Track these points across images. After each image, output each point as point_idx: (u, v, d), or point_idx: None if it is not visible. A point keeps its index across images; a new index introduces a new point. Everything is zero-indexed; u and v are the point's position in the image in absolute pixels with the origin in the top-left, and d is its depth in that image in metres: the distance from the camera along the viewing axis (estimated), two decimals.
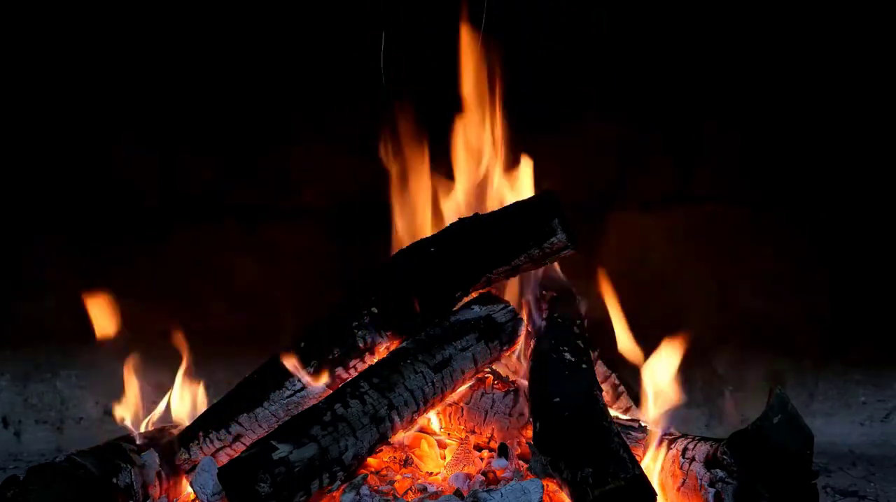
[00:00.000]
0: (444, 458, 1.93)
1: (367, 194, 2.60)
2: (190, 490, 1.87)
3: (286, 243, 2.81)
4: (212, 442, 1.93)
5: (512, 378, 2.05)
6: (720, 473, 1.66)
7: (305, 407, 1.84)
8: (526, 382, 1.98)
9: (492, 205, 2.20)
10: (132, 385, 2.11)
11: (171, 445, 1.96)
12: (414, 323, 1.94)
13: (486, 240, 1.95)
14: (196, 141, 2.78)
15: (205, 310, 2.77)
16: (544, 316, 2.13)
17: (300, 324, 2.05)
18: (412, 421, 1.87)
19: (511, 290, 2.19)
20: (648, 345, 2.11)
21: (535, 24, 2.66)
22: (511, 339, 1.99)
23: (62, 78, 2.71)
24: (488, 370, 2.02)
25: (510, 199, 2.15)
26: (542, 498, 1.67)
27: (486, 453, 1.95)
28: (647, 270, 2.79)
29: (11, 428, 2.78)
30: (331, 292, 2.57)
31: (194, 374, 2.19)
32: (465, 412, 2.00)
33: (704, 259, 2.80)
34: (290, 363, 1.91)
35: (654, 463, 1.85)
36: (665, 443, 1.87)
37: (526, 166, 2.22)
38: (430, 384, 1.85)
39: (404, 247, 2.06)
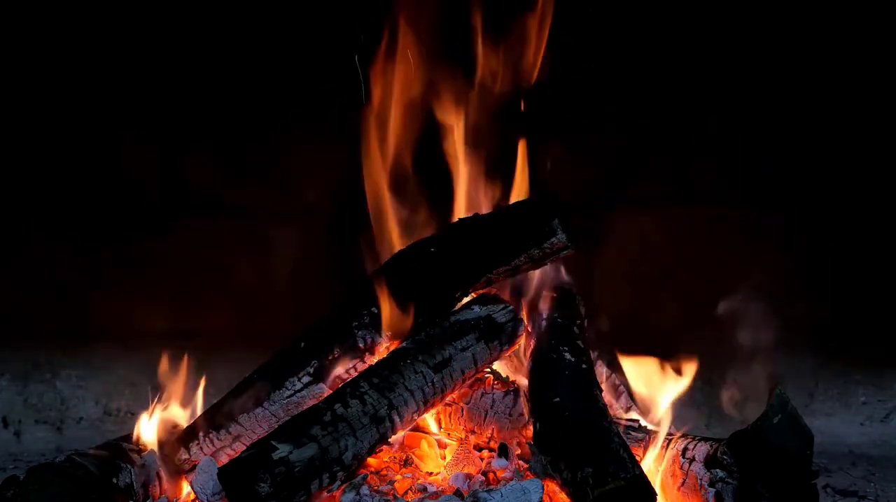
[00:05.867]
0: (444, 458, 1.93)
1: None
2: (190, 490, 1.87)
3: (286, 242, 2.81)
4: (212, 442, 1.93)
5: (512, 378, 2.05)
6: (720, 473, 1.66)
7: (305, 407, 1.84)
8: (526, 382, 1.98)
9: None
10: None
11: (172, 445, 1.95)
12: (414, 323, 1.94)
13: (485, 240, 1.95)
14: (196, 140, 2.78)
15: (204, 309, 2.78)
16: (544, 316, 2.13)
17: (300, 323, 2.05)
18: (412, 421, 1.87)
19: (511, 290, 2.19)
20: (647, 346, 2.12)
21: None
22: (511, 339, 1.99)
23: (61, 76, 2.71)
24: (488, 370, 2.02)
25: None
26: (542, 498, 1.67)
27: (486, 453, 1.94)
28: (647, 270, 2.79)
29: (11, 428, 2.78)
30: (331, 292, 2.57)
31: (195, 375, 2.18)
32: (465, 412, 2.00)
33: (704, 259, 2.80)
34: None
35: (654, 464, 1.85)
36: (665, 443, 1.87)
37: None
38: (430, 384, 1.85)
39: (404, 247, 2.06)
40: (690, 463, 1.76)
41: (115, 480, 1.81)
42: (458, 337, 1.91)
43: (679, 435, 1.90)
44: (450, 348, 1.89)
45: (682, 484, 1.76)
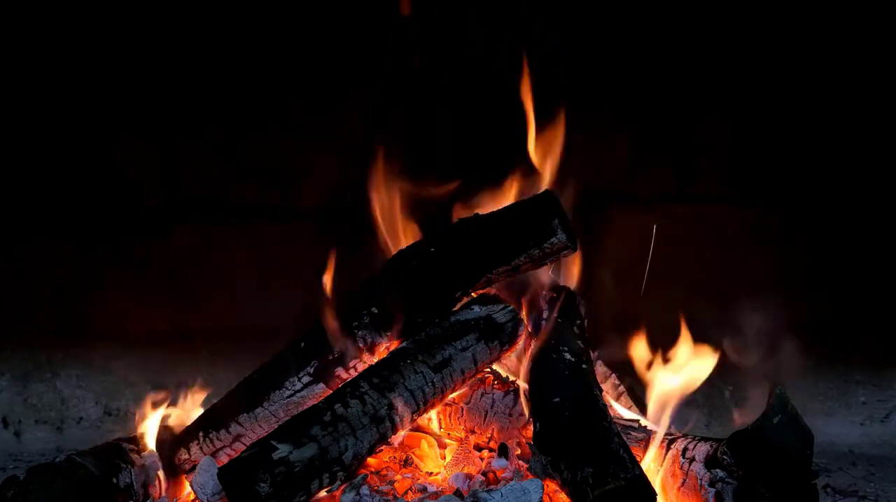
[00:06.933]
0: (444, 458, 1.93)
1: (367, 194, 2.59)
2: (190, 490, 1.87)
3: (286, 243, 2.81)
4: (212, 442, 1.93)
5: (512, 378, 2.05)
6: (720, 473, 1.66)
7: (305, 407, 1.84)
8: (526, 382, 1.98)
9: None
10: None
11: (172, 445, 1.96)
12: (414, 323, 1.94)
13: (486, 240, 1.95)
14: (196, 140, 2.78)
15: (205, 309, 2.78)
16: (544, 316, 2.12)
17: (300, 323, 2.05)
18: (412, 421, 1.87)
19: (511, 290, 2.19)
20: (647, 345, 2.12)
21: (537, 24, 2.66)
22: (511, 339, 1.98)
23: (62, 77, 2.71)
24: (488, 370, 2.02)
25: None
26: (542, 498, 1.67)
27: (486, 453, 1.95)
28: (647, 270, 2.79)
29: (11, 428, 2.78)
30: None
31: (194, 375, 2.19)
32: (465, 412, 2.00)
33: (704, 258, 2.80)
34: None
35: (654, 463, 1.85)
36: (665, 443, 1.87)
37: None
38: (430, 384, 1.84)
39: (404, 247, 2.06)
40: (690, 463, 1.76)
41: (115, 480, 1.81)
42: (458, 337, 1.91)
43: (679, 435, 1.90)
44: (450, 348, 1.89)
45: (682, 484, 1.76)
